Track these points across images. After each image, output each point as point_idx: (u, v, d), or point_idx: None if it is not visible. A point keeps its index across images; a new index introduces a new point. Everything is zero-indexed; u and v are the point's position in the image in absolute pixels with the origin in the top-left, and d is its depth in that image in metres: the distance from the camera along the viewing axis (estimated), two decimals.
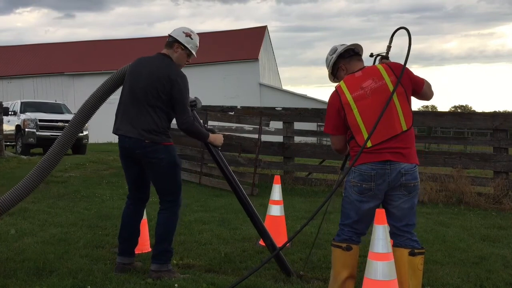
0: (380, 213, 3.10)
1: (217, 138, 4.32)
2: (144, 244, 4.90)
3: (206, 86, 34.04)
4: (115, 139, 4.54)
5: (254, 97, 34.08)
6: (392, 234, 3.59)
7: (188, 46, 4.22)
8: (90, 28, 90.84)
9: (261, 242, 5.43)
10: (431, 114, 11.90)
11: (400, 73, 3.47)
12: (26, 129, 16.56)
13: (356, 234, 3.62)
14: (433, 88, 3.70)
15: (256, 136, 9.61)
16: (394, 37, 3.75)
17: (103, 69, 34.45)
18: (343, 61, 3.72)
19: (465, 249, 5.42)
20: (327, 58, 3.83)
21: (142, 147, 4.03)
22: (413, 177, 3.48)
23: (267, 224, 5.54)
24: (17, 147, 17.22)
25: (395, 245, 3.56)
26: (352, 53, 3.72)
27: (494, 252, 5.31)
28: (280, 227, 5.54)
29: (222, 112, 11.02)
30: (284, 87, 44.14)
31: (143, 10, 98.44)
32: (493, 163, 8.63)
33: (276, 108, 10.72)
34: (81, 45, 41.96)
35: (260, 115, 9.71)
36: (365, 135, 3.45)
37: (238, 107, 11.20)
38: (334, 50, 3.77)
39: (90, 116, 4.41)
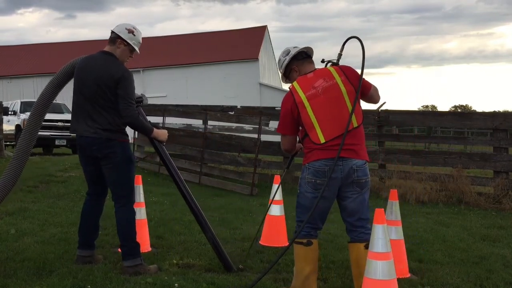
0: (380, 212, 3.12)
1: (161, 134, 4.43)
2: (144, 243, 4.90)
3: (206, 86, 34.04)
4: None
5: (254, 97, 34.00)
6: (348, 231, 3.76)
7: (131, 42, 4.30)
8: (91, 29, 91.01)
9: (261, 242, 5.45)
10: (431, 114, 11.92)
11: (359, 79, 3.65)
12: None
13: (313, 229, 3.78)
14: (380, 92, 3.92)
15: (255, 136, 9.62)
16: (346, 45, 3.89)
17: None
18: (296, 63, 3.87)
19: (465, 249, 5.43)
20: (279, 60, 3.97)
21: (98, 143, 4.18)
22: (364, 174, 3.63)
23: (267, 224, 5.55)
24: None
25: (351, 241, 3.72)
26: (304, 55, 3.88)
27: (494, 252, 5.31)
28: (280, 227, 5.54)
29: (222, 112, 11.03)
30: (284, 87, 44.14)
31: (144, 11, 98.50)
32: (493, 163, 8.63)
33: (276, 108, 10.72)
34: (82, 45, 41.79)
35: (260, 115, 9.71)
36: (319, 132, 3.60)
37: (238, 107, 11.22)
38: (287, 52, 3.91)
39: (45, 112, 4.50)
